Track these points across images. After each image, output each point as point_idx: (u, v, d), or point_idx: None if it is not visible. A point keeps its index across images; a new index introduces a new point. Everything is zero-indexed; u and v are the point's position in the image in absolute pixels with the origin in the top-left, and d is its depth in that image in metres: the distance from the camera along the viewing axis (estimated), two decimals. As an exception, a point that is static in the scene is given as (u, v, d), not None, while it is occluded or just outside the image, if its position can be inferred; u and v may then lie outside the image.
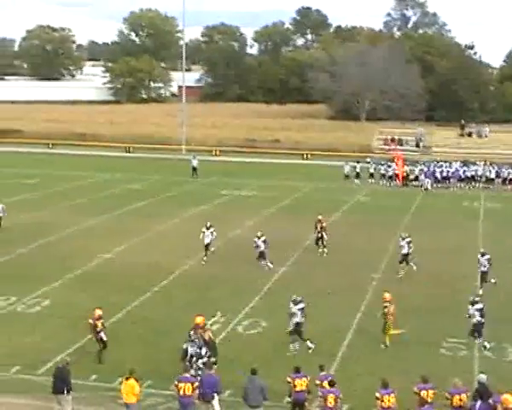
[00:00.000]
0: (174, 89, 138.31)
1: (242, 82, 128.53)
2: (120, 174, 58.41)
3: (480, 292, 27.06)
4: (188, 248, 33.86)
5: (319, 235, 33.49)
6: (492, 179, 56.69)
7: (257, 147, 75.94)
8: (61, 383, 17.56)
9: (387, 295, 22.77)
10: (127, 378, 17.05)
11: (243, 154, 72.53)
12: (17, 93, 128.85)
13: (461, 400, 16.46)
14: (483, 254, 28.06)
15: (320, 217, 33.89)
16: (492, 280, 27.83)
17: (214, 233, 31.69)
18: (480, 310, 21.89)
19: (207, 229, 31.58)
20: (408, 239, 30.30)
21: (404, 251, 30.10)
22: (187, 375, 17.13)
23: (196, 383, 16.89)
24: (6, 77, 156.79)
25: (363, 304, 26.36)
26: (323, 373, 17.56)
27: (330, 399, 16.57)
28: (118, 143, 76.80)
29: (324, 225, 33.78)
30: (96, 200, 46.93)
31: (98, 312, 20.75)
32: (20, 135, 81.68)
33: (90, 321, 20.66)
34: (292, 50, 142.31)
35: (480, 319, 21.81)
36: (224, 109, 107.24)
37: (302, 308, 21.58)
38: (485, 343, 22.07)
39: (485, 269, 27.76)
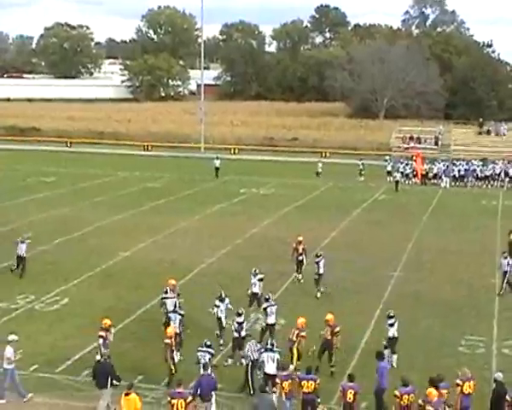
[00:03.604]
0: (193, 87, 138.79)
1: (261, 80, 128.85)
2: (139, 172, 58.63)
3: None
4: (206, 247, 34.02)
5: (299, 258, 28.89)
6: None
7: (275, 145, 75.94)
8: (103, 378, 17.48)
9: None
10: (127, 394, 16.18)
11: (262, 152, 72.56)
12: (35, 91, 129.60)
13: (470, 387, 16.80)
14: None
15: (300, 238, 29.41)
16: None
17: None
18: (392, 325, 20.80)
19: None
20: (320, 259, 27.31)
21: (320, 271, 27.14)
22: (180, 390, 16.43)
23: (190, 398, 16.31)
24: (24, 75, 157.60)
25: (382, 302, 26.37)
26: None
27: (349, 394, 16.64)
28: (136, 142, 77.07)
29: (305, 247, 29.29)
30: (114, 198, 47.16)
31: (170, 331, 19.78)
32: (38, 133, 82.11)
33: (167, 341, 19.29)
34: (310, 48, 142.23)
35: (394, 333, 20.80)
36: (243, 107, 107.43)
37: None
38: (394, 363, 20.53)
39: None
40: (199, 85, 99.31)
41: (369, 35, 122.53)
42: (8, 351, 18.53)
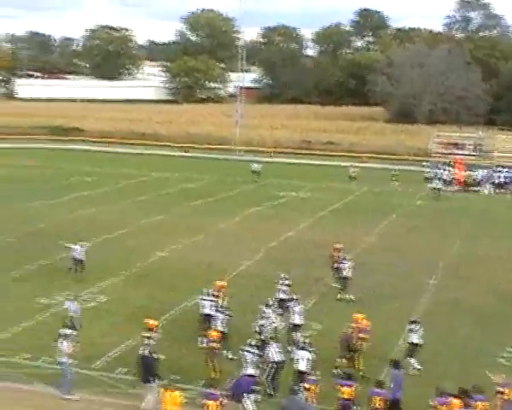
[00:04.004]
0: (232, 89, 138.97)
1: (300, 83, 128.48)
2: (178, 173, 58.82)
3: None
4: (243, 249, 33.98)
5: (337, 266, 28.07)
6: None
7: (312, 149, 75.71)
8: (146, 372, 17.72)
9: None
10: (169, 390, 16.41)
11: (299, 155, 72.37)
12: (77, 92, 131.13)
13: (510, 393, 16.57)
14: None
15: (338, 245, 29.21)
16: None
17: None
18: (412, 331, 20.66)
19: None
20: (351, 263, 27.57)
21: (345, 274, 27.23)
22: (214, 391, 16.34)
23: (224, 400, 16.18)
24: (67, 76, 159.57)
25: (419, 308, 25.99)
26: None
27: (376, 401, 16.48)
28: (176, 143, 77.40)
29: (342, 254, 28.69)
30: (154, 198, 47.35)
31: (215, 334, 19.71)
32: (80, 133, 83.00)
33: (213, 345, 19.37)
34: (351, 52, 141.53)
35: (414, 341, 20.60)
36: (281, 110, 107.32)
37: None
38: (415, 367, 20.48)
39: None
40: (239, 88, 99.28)
41: (409, 39, 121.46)
42: (64, 345, 18.69)
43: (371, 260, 32.22)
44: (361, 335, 20.06)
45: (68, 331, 19.15)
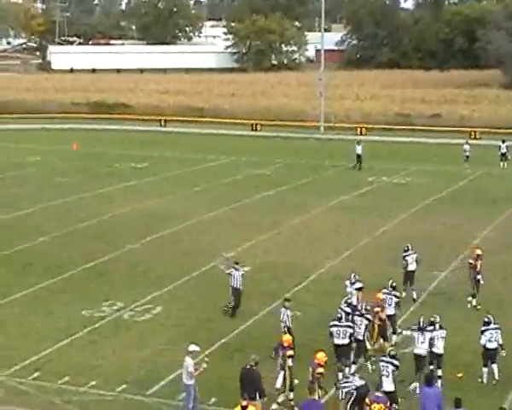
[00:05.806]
0: (310, 53, 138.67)
1: (394, 44, 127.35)
2: (245, 157, 59.12)
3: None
4: (326, 247, 33.95)
5: (477, 277, 27.17)
6: None
7: (412, 124, 75.03)
8: (249, 387, 17.79)
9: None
10: (244, 407, 16.50)
11: (394, 132, 71.74)
12: (124, 60, 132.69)
13: None
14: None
15: (479, 251, 27.74)
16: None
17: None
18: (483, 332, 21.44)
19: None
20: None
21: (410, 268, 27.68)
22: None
23: None
24: (111, 41, 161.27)
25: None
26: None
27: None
28: (242, 120, 77.70)
29: (482, 262, 27.55)
30: (216, 188, 47.69)
31: (321, 357, 19.17)
32: (128, 110, 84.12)
33: (320, 370, 18.77)
34: (457, 3, 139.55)
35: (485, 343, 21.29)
36: (372, 77, 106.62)
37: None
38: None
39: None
40: (318, 51, 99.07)
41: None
42: (189, 364, 18.86)
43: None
44: None
45: (193, 348, 19.06)
